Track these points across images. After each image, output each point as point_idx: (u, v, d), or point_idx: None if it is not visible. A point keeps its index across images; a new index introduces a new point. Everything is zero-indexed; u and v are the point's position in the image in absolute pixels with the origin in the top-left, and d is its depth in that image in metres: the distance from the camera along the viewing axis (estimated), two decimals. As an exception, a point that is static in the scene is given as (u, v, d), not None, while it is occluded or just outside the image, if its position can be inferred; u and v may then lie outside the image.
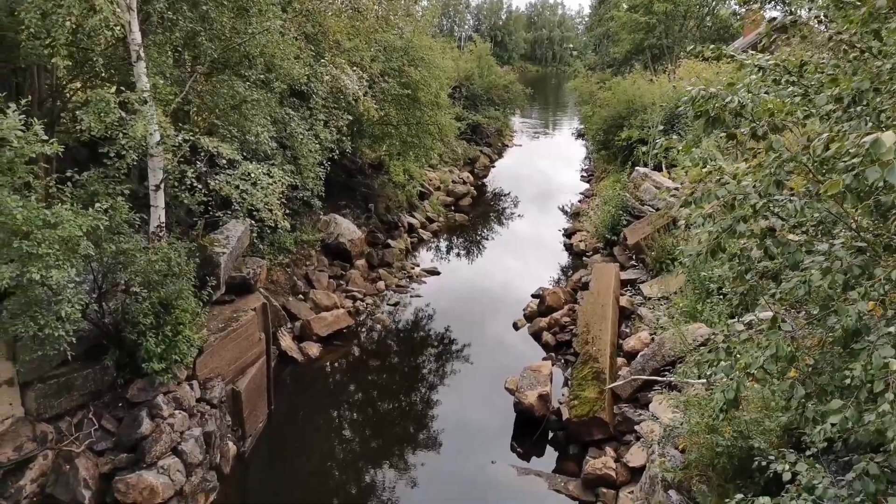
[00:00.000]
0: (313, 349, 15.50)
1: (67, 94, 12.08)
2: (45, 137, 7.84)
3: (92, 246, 8.38)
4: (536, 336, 16.86)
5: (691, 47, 7.40)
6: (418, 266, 22.02)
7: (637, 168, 22.52)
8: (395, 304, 18.92)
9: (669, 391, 10.00)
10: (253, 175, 11.87)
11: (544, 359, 15.44)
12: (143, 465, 9.04)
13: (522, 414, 12.80)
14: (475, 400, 14.28)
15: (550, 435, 12.68)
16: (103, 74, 11.45)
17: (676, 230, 16.64)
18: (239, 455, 11.59)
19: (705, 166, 5.92)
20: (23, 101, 7.96)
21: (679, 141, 6.55)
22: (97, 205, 8.52)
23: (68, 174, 8.90)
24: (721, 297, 11.74)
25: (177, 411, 9.72)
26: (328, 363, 15.72)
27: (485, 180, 35.30)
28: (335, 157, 17.64)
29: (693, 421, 8.49)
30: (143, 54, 10.49)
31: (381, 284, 19.77)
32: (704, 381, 8.80)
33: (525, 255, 23.86)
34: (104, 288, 9.47)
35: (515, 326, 17.65)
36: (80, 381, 9.16)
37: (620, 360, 13.78)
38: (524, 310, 18.31)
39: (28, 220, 7.46)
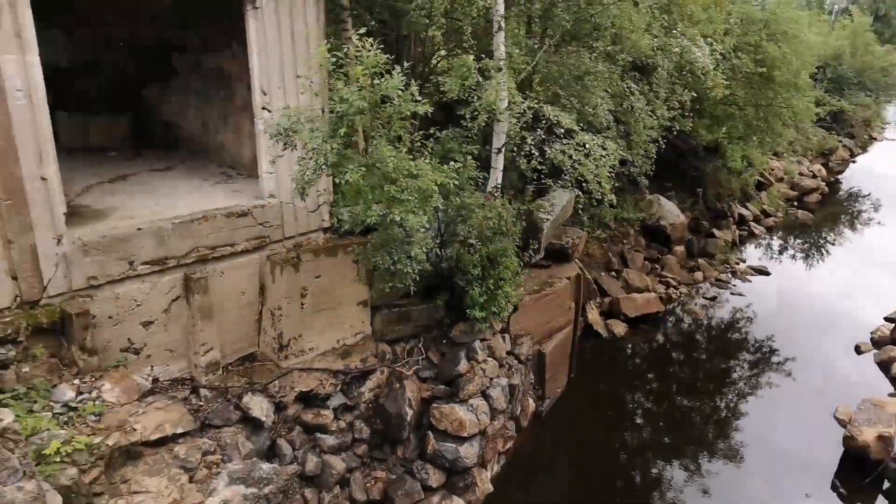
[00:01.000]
0: (619, 328, 15.35)
1: (434, 61, 13.54)
2: (419, 98, 8.84)
3: (441, 199, 9.33)
4: (884, 366, 14.22)
5: None
6: (744, 262, 20.17)
7: None
8: (712, 299, 17.64)
9: None
10: (588, 146, 11.97)
11: (891, 394, 12.97)
12: (457, 400, 9.95)
13: (853, 451, 11.00)
14: (792, 422, 12.64)
15: (886, 485, 10.67)
16: (465, 44, 12.52)
17: None
18: (536, 413, 12.09)
19: None
20: (405, 65, 9.08)
21: None
22: (452, 164, 9.42)
23: (431, 132, 9.96)
24: None
25: (489, 358, 10.49)
26: (631, 345, 15.41)
27: (840, 176, 30.55)
28: (672, 135, 16.84)
29: None
30: (503, 25, 11.19)
31: (698, 275, 18.63)
32: None
33: (879, 270, 20.09)
34: (445, 237, 10.53)
35: (858, 350, 15.11)
36: (415, 314, 10.41)
37: None
38: (871, 333, 15.58)
39: (397, 168, 8.50)
